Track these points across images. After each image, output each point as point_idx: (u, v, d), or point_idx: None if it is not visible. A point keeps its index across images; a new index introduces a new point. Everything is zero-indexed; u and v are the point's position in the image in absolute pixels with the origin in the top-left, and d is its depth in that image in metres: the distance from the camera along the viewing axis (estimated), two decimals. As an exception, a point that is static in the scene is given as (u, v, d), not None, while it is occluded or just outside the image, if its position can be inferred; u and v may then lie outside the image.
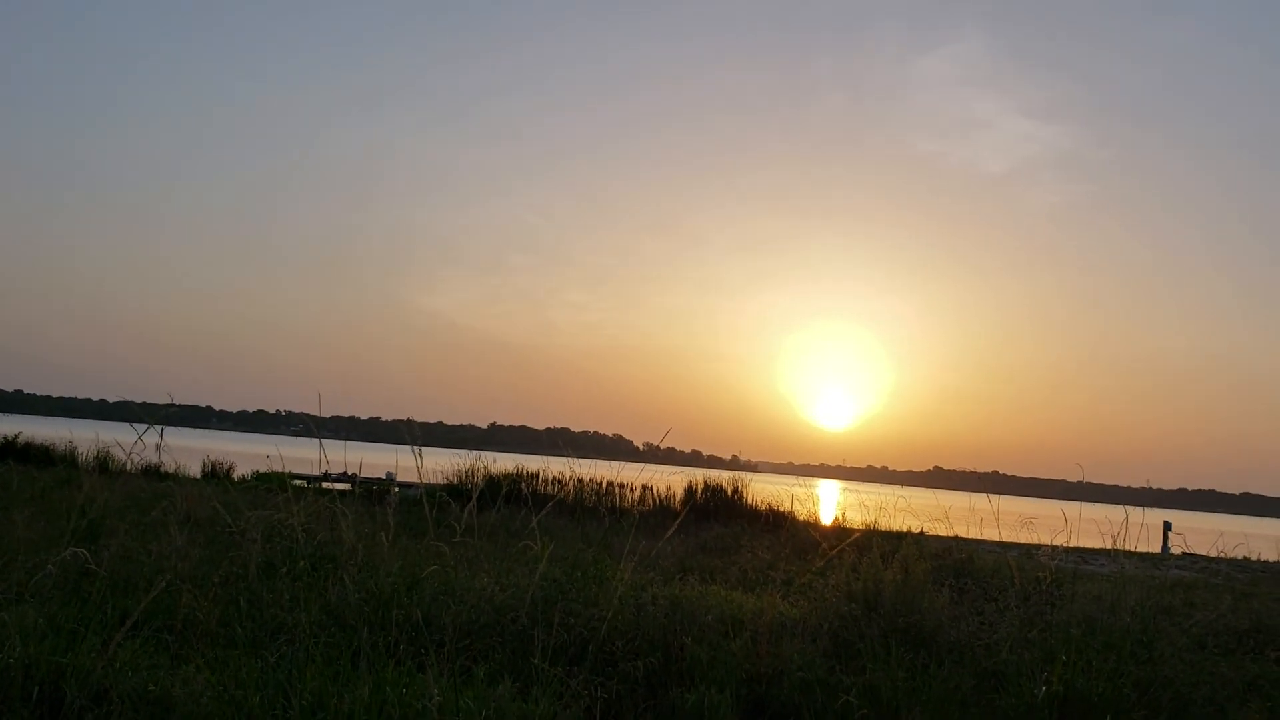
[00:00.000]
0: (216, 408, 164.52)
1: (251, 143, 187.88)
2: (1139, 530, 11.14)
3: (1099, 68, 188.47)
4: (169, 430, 9.39)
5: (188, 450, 26.84)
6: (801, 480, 25.39)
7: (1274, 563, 28.75)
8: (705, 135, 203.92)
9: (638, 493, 22.88)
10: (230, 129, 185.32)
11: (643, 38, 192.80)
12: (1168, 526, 31.37)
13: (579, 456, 22.43)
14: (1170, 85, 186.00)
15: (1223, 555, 24.01)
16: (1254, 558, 28.47)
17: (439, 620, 6.98)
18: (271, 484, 20.05)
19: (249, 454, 29.20)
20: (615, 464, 22.46)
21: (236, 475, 25.24)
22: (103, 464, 22.83)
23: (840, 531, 18.74)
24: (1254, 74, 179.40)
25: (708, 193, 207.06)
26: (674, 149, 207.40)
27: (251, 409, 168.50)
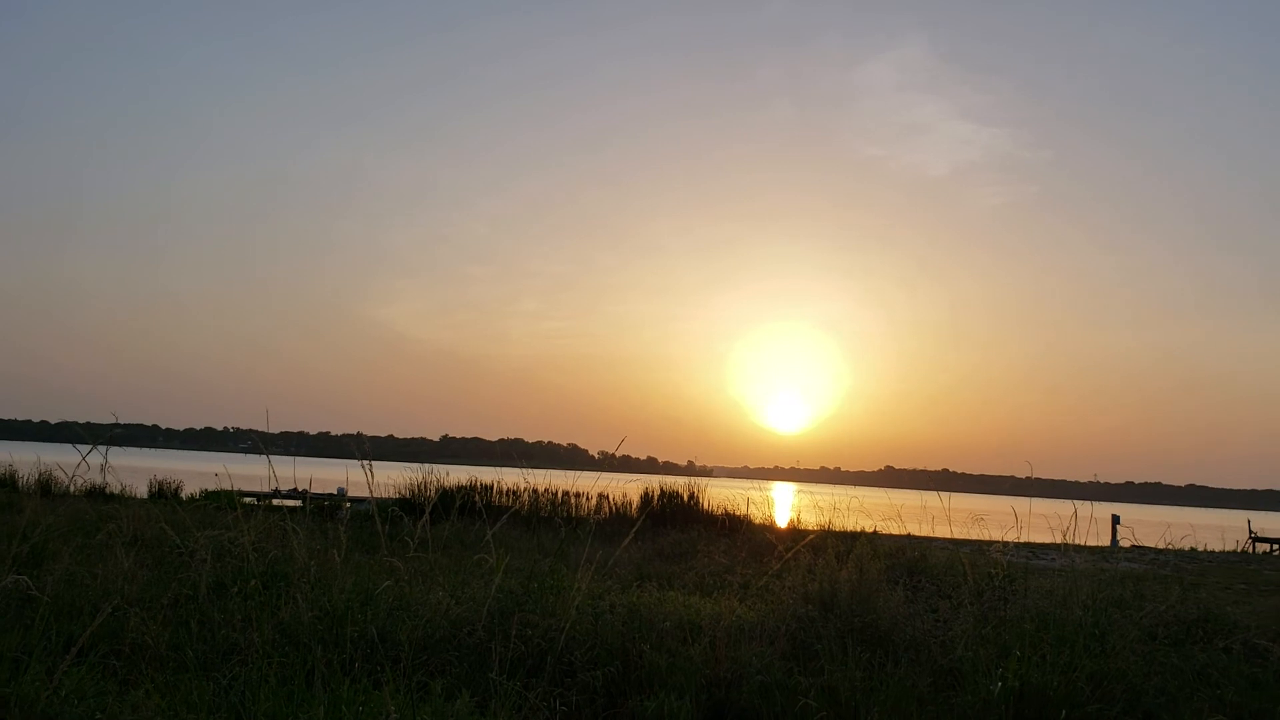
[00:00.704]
0: (163, 426, 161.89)
1: (198, 156, 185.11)
2: (1088, 524, 11.31)
3: (1034, 70, 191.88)
4: (114, 450, 9.20)
5: (133, 470, 26.35)
6: (756, 484, 25.54)
7: (1220, 553, 29.36)
8: (657, 144, 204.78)
9: (594, 501, 22.86)
10: (178, 141, 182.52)
11: (594, 52, 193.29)
12: (1116, 520, 31.86)
13: (533, 467, 22.36)
14: (1105, 85, 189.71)
15: (1170, 547, 24.49)
16: (1200, 548, 29.06)
17: (394, 636, 6.91)
18: (220, 502, 19.76)
19: (197, 472, 28.73)
20: (571, 473, 22.42)
21: (184, 494, 24.84)
22: (45, 487, 22.40)
23: (795, 533, 18.85)
24: (1191, 74, 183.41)
25: (660, 201, 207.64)
26: (626, 158, 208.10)
27: (199, 426, 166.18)
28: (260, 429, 8.85)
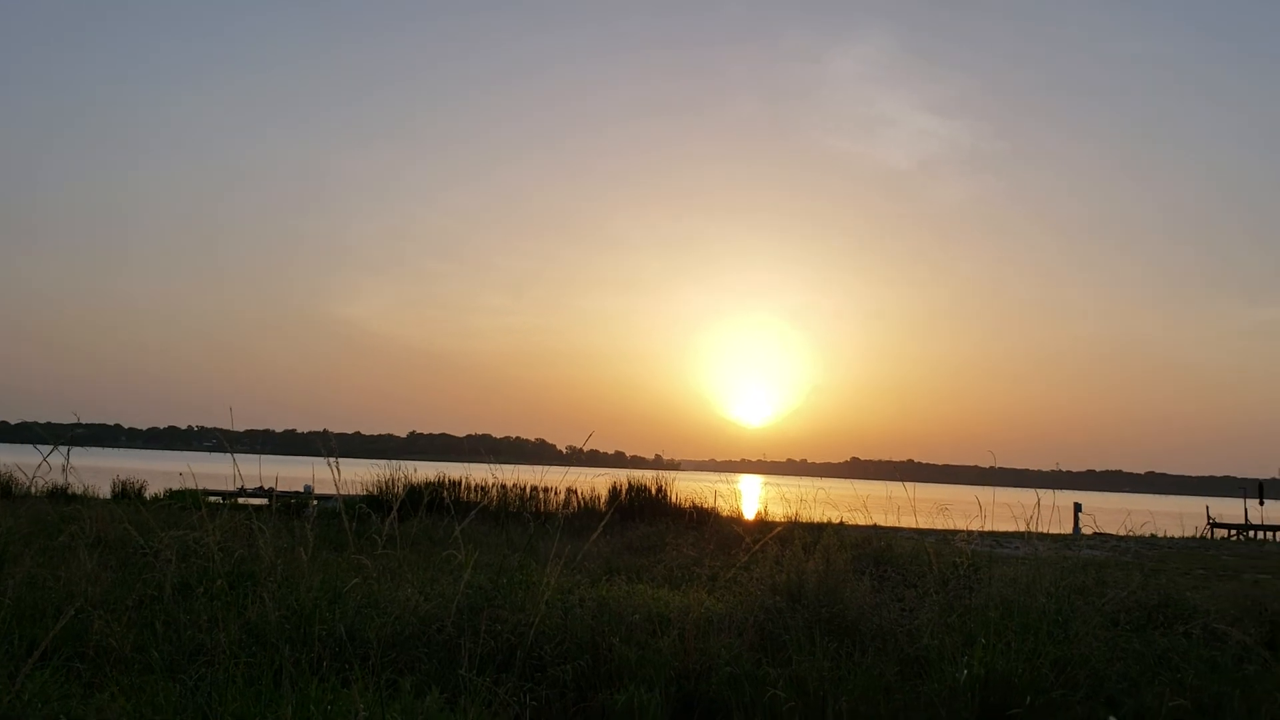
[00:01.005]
0: (125, 425, 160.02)
1: (156, 151, 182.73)
2: (1051, 512, 11.45)
3: (995, 63, 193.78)
4: (76, 451, 9.11)
5: (96, 470, 26.04)
6: (723, 476, 25.56)
7: (1180, 539, 29.81)
8: (621, 139, 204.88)
9: (562, 496, 22.85)
10: (135, 136, 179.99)
11: (558, 48, 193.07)
12: (1078, 507, 32.21)
13: (501, 462, 22.29)
14: (1064, 78, 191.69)
15: (1131, 533, 24.83)
16: (1161, 534, 29.51)
17: (363, 634, 6.89)
18: (185, 502, 19.58)
19: (161, 472, 28.43)
20: (538, 468, 22.39)
21: (148, 494, 24.56)
22: (4, 489, 22.08)
23: (763, 525, 18.94)
24: (1148, 67, 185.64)
25: (626, 196, 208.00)
26: (590, 154, 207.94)
27: (162, 425, 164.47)
28: (225, 427, 8.77)
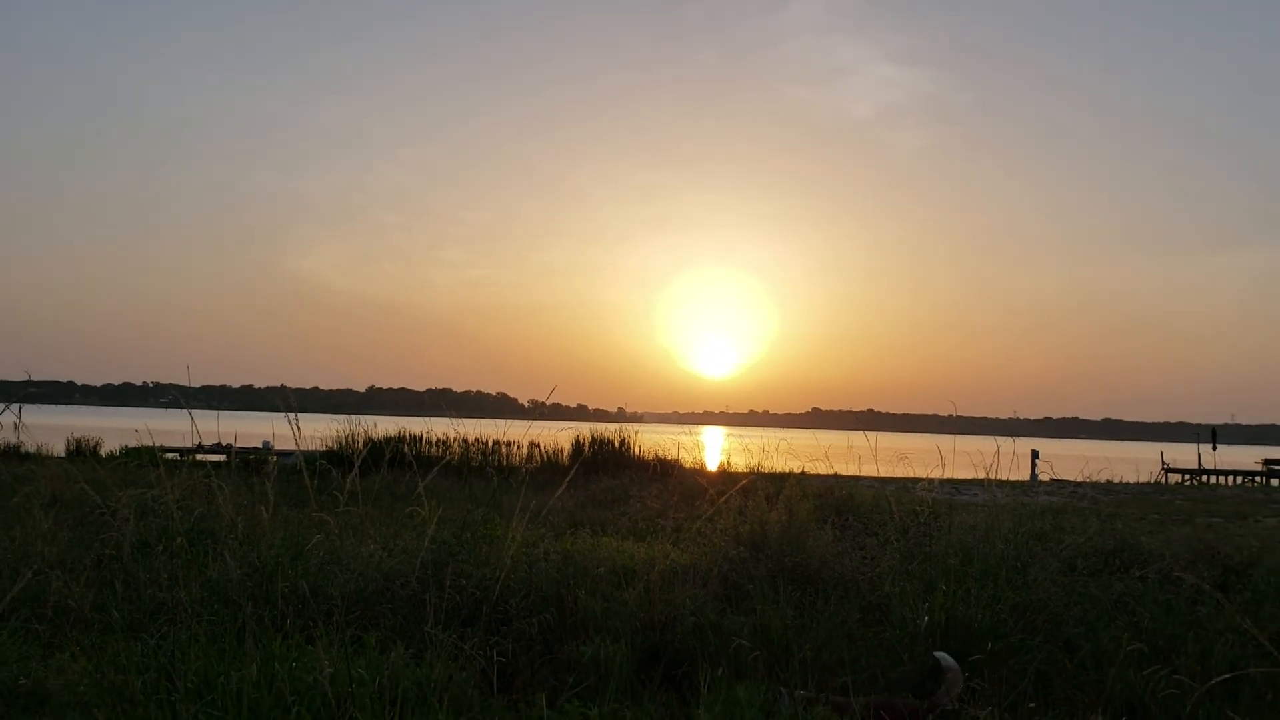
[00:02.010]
0: (79, 382, 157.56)
1: (111, 102, 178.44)
2: (1010, 460, 11.60)
3: (955, 12, 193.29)
4: (28, 409, 8.95)
5: (49, 428, 25.64)
6: (686, 428, 25.73)
7: (1135, 484, 30.37)
8: (580, 92, 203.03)
9: (525, 450, 22.84)
10: (83, 87, 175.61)
11: (519, 2, 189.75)
12: (1035, 455, 32.72)
13: (462, 417, 22.21)
14: (1025, 26, 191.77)
15: (1088, 480, 25.25)
16: (1116, 480, 30.03)
17: (326, 591, 6.85)
18: (142, 459, 19.31)
19: (116, 429, 28.05)
20: (501, 422, 22.35)
21: (104, 452, 24.24)
22: (-44, 448, 21.70)
23: (726, 476, 19.06)
24: (1113, 13, 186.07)
25: (585, 149, 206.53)
26: (549, 107, 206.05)
27: (117, 382, 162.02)
28: (181, 383, 8.65)
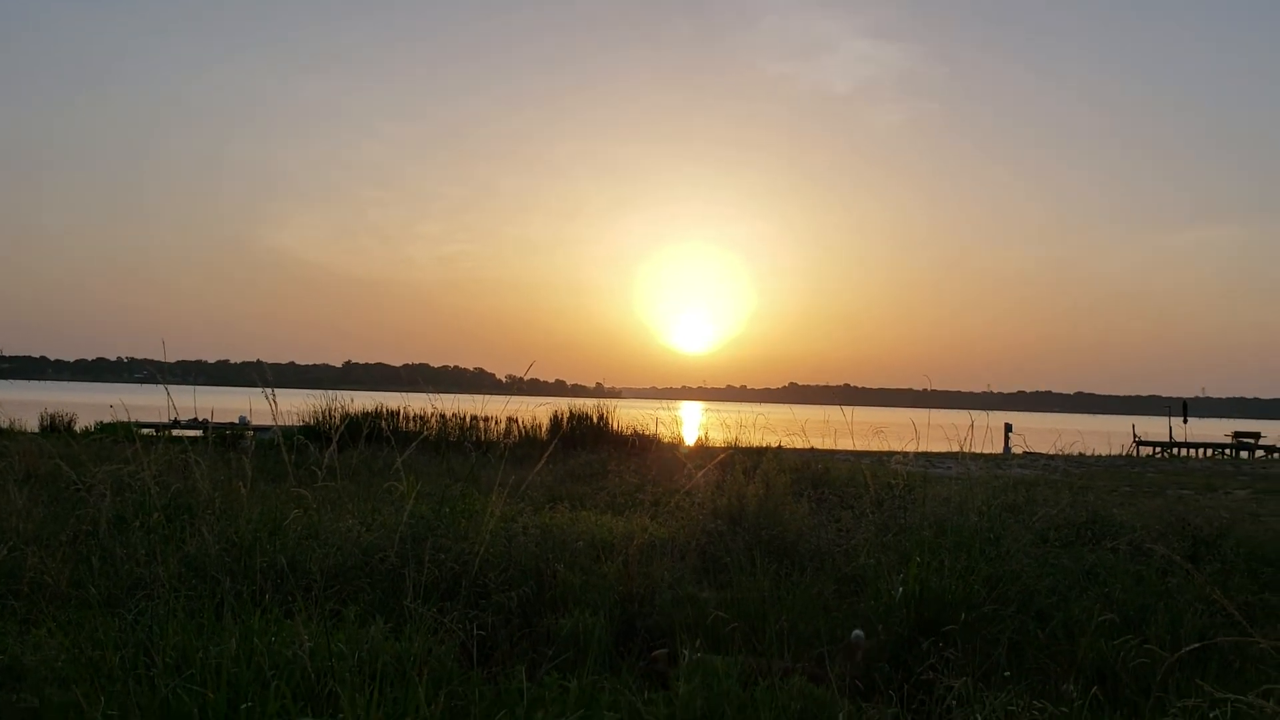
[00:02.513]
0: (52, 357, 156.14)
1: (87, 75, 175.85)
2: (984, 433, 11.71)
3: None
4: (0, 383, 8.87)
5: (22, 404, 25.44)
6: (664, 404, 25.72)
7: (1106, 457, 30.71)
8: (558, 68, 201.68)
9: (503, 425, 22.81)
10: (58, 61, 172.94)
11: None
12: (1008, 428, 32.98)
13: (440, 392, 22.18)
14: (1002, 2, 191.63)
15: (1060, 452, 25.54)
16: (1088, 453, 30.37)
17: (305, 565, 6.85)
18: (117, 435, 19.22)
19: (91, 404, 27.84)
20: (479, 398, 22.29)
21: (78, 428, 24.07)
22: (-73, 424, 21.48)
23: (704, 451, 19.13)
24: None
25: (565, 124, 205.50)
26: (528, 83, 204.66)
27: (90, 357, 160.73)
28: (156, 358, 8.58)
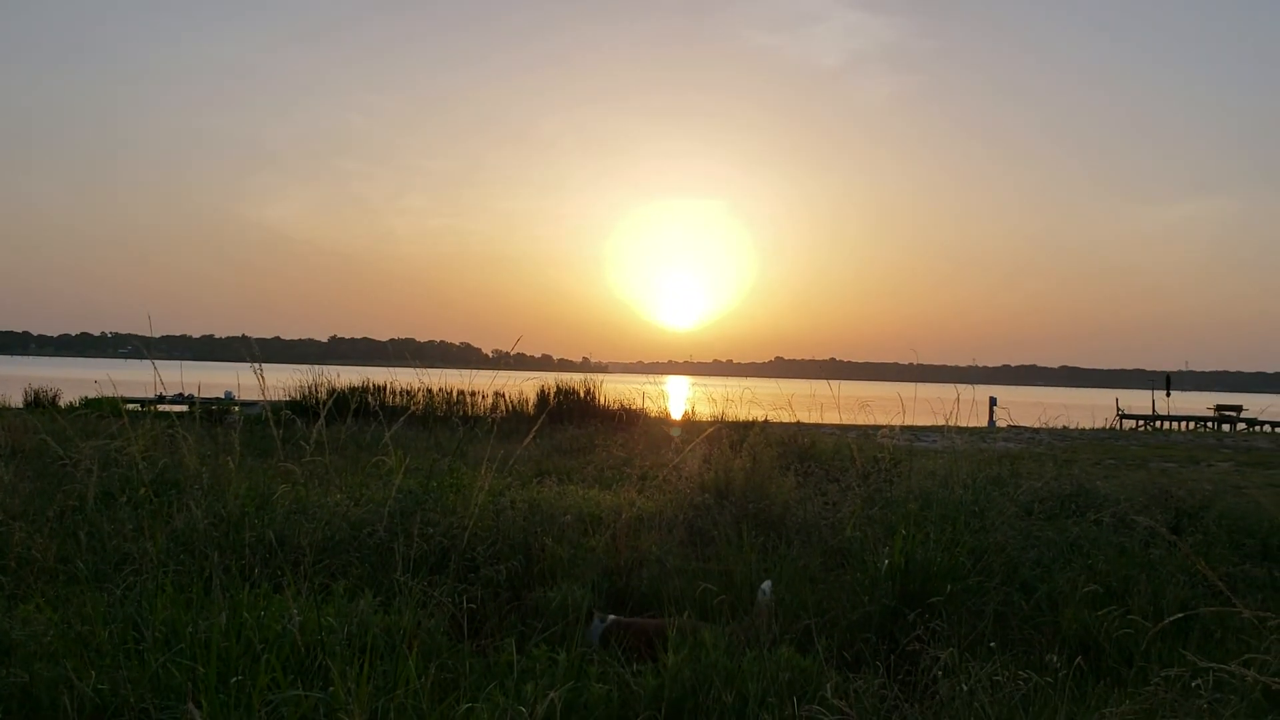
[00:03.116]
0: (35, 332, 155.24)
1: (70, 47, 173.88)
2: (969, 407, 11.77)
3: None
4: (-17, 360, 8.82)
5: (6, 380, 25.31)
6: (651, 378, 25.79)
7: (1090, 430, 30.90)
8: (545, 42, 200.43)
9: (490, 400, 22.83)
10: (44, 35, 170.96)
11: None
12: (993, 401, 33.17)
13: (426, 367, 22.14)
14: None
15: (1045, 426, 25.67)
16: (1073, 427, 30.56)
17: (293, 540, 6.86)
18: (103, 410, 19.11)
19: (75, 379, 27.68)
20: (466, 372, 22.30)
21: (63, 403, 23.95)
22: (-90, 400, 21.36)
23: (691, 425, 19.18)
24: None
25: (552, 97, 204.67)
26: (517, 56, 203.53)
27: (74, 332, 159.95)
28: (140, 334, 8.52)
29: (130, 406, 21.61)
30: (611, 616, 6.19)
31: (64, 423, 10.68)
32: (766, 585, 6.15)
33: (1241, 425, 39.26)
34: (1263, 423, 39.01)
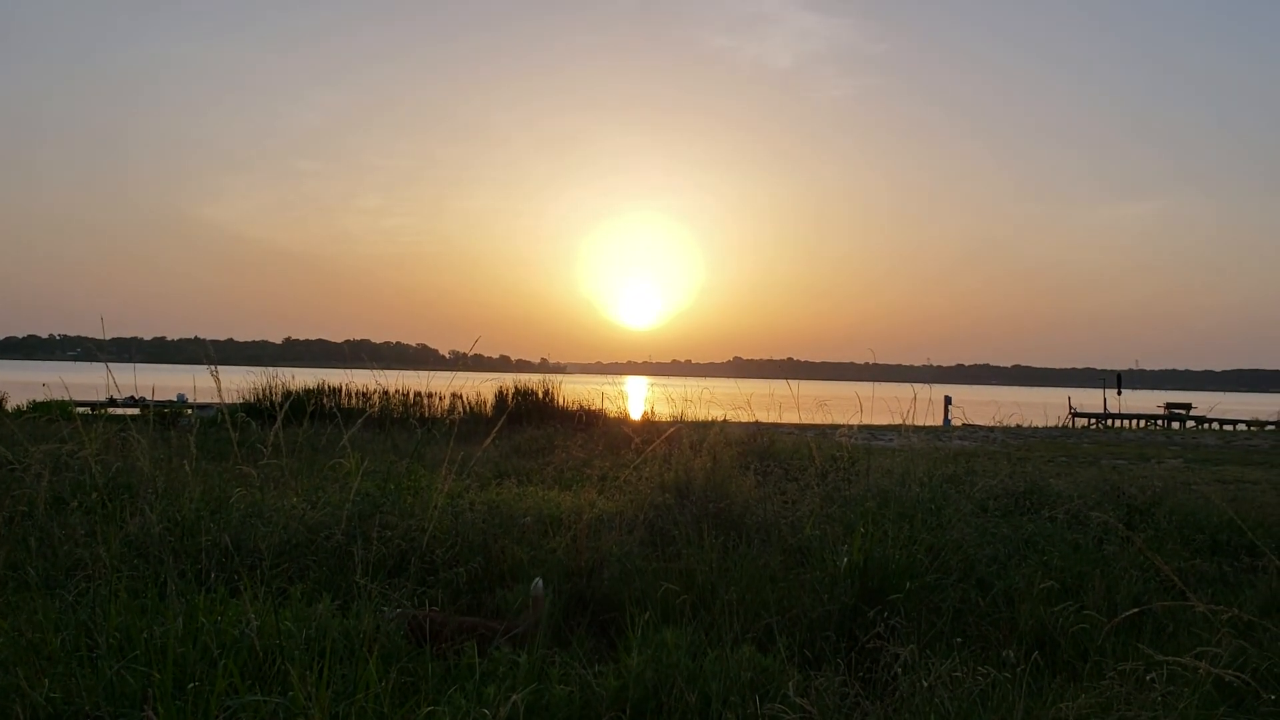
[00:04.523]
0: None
1: (8, 48, 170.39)
2: (925, 406, 11.88)
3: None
4: (-73, 364, 8.62)
5: (-51, 384, 24.73)
6: (610, 378, 25.72)
7: (1044, 428, 31.31)
8: (498, 36, 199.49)
9: (448, 401, 22.70)
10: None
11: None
12: (948, 400, 33.46)
13: (383, 368, 21.96)
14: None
15: (999, 424, 25.98)
16: (1026, 425, 30.94)
17: (250, 544, 6.78)
18: (53, 414, 18.76)
19: (22, 383, 27.15)
20: (423, 374, 22.16)
21: (10, 406, 23.48)
22: None
23: (650, 425, 19.17)
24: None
25: (507, 94, 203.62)
26: (469, 49, 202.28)
27: (20, 334, 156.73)
28: (89, 336, 8.39)
29: (81, 410, 21.24)
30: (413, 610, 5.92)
31: (12, 426, 10.47)
32: (538, 581, 6.09)
33: (1190, 423, 39.98)
34: (1211, 420, 39.77)
